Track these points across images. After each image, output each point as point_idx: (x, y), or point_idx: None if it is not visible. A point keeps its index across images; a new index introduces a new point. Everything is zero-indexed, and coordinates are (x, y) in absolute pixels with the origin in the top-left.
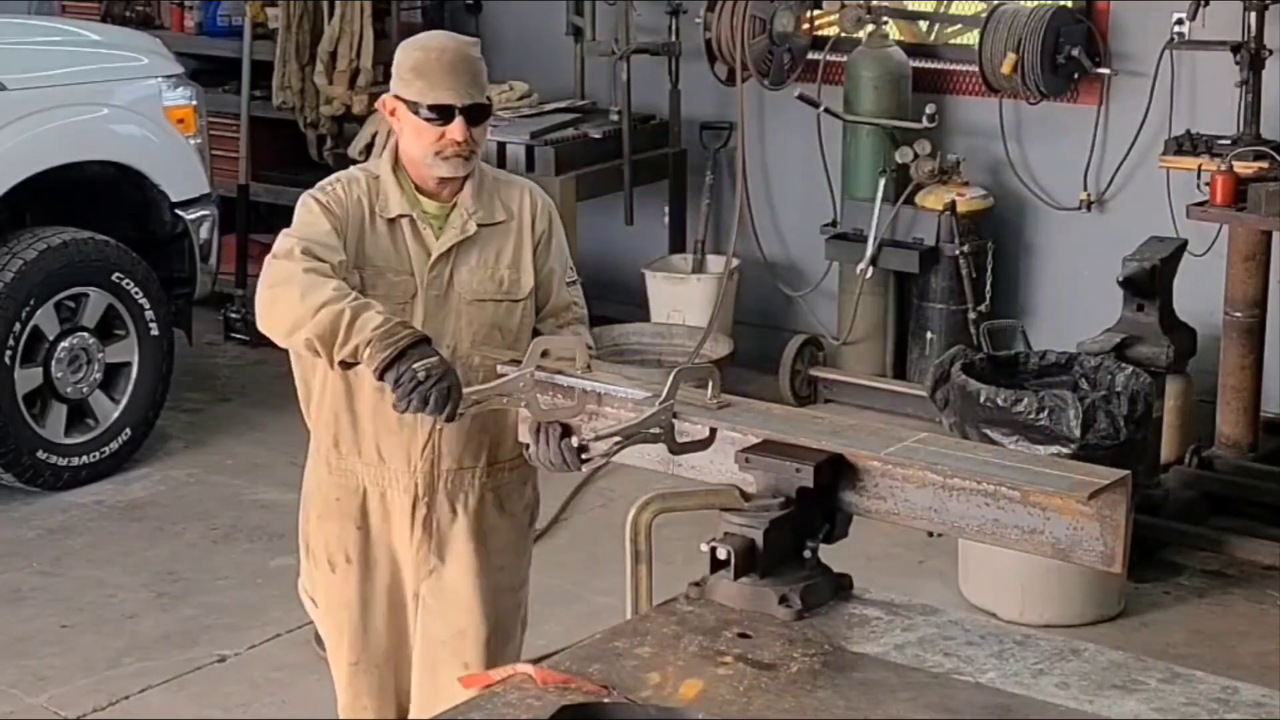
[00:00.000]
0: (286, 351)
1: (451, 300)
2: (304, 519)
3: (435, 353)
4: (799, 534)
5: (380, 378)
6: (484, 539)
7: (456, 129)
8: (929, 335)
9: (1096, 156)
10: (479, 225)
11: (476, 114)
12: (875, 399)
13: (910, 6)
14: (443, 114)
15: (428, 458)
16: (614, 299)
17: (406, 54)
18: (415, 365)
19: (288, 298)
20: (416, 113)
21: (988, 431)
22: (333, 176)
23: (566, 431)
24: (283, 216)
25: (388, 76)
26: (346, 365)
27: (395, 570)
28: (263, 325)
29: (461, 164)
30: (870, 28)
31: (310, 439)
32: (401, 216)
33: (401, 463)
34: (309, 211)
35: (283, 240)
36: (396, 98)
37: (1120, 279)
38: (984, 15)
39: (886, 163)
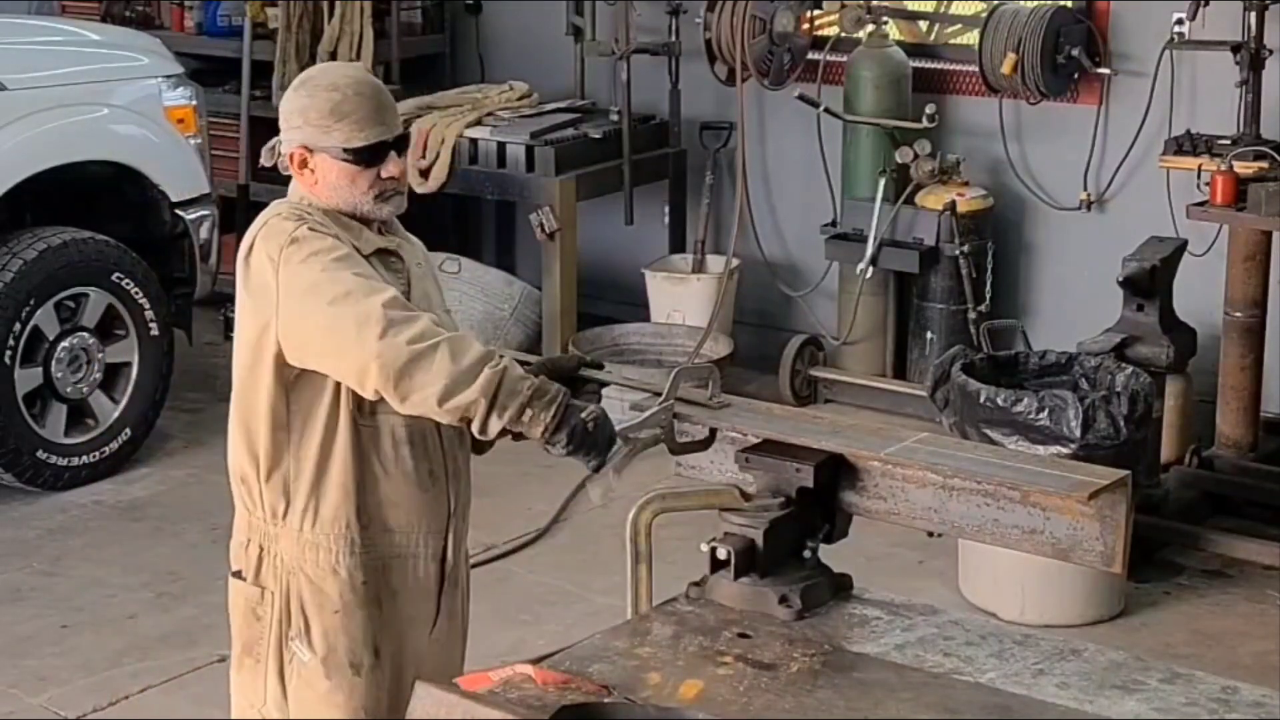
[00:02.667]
0: None
1: None
2: (307, 619)
3: (584, 402)
4: (799, 534)
5: (549, 441)
6: (467, 599)
7: (394, 165)
8: (929, 335)
9: (1096, 156)
10: None
11: (403, 144)
12: (875, 399)
13: (910, 6)
14: (377, 153)
15: (458, 512)
16: (614, 299)
17: (315, 99)
18: (584, 418)
19: (436, 361)
20: (346, 159)
21: (988, 431)
22: (289, 223)
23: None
24: None
25: (388, 76)
26: (503, 434)
27: (412, 662)
28: (394, 391)
29: (401, 200)
30: (870, 28)
31: (288, 516)
32: (380, 251)
33: (435, 522)
34: (337, 254)
35: (363, 297)
36: (307, 149)
37: (1120, 279)
38: (984, 15)
39: (886, 163)
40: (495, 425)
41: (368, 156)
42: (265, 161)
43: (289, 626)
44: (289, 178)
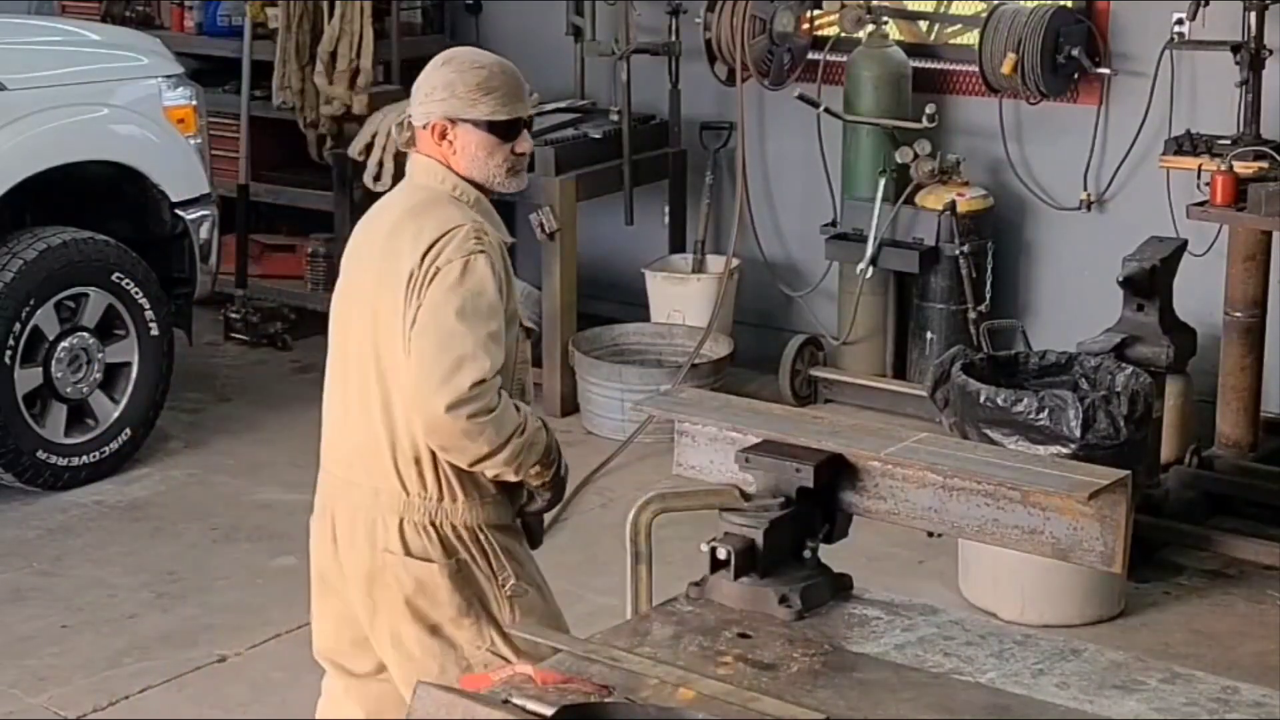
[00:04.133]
0: (287, 352)
1: None
2: (516, 561)
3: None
4: (799, 534)
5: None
6: None
7: (524, 142)
8: (929, 335)
9: (1096, 156)
10: None
11: (531, 123)
12: (875, 399)
13: (910, 6)
14: (515, 128)
15: None
16: (614, 299)
17: (464, 74)
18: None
19: (484, 438)
20: (488, 130)
21: (988, 431)
22: (474, 224)
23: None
24: (283, 216)
25: (388, 76)
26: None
27: None
28: (465, 454)
29: (525, 177)
30: (870, 28)
31: (467, 490)
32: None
33: None
34: (485, 288)
35: (467, 361)
36: (450, 120)
37: (1120, 279)
38: (984, 15)
39: (886, 163)
40: (518, 477)
41: (507, 131)
42: (398, 140)
43: (496, 578)
44: (289, 178)
